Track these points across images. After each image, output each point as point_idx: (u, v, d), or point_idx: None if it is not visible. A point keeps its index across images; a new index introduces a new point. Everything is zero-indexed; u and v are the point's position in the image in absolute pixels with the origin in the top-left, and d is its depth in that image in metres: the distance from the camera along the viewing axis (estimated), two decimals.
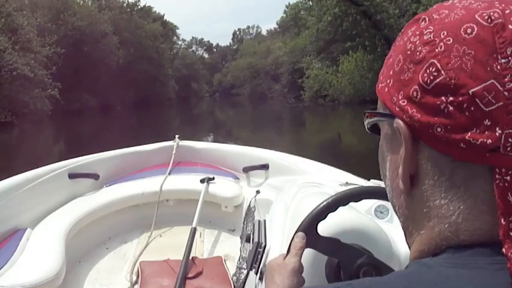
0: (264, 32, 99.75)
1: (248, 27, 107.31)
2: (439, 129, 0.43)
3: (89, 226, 2.67)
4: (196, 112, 41.08)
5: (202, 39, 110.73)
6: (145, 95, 48.18)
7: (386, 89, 0.50)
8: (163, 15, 67.92)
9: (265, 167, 3.14)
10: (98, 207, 2.75)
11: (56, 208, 2.69)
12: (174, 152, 3.32)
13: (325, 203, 1.06)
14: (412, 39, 0.48)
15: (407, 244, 0.53)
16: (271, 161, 3.13)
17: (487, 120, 0.41)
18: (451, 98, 0.42)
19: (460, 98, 0.42)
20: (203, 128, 22.06)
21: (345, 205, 1.06)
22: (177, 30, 77.22)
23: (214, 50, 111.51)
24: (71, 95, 33.20)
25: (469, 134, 0.42)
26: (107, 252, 2.71)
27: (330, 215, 1.06)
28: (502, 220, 0.41)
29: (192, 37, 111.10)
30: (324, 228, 1.06)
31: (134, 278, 2.35)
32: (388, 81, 0.50)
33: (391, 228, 1.50)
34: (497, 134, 0.41)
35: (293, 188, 2.40)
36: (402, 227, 0.54)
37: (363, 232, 1.35)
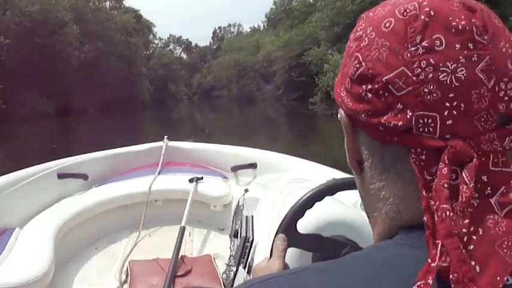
0: (247, 30, 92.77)
1: (229, 25, 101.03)
2: (363, 115, 0.47)
3: (78, 226, 2.67)
4: (174, 117, 37.80)
5: (181, 37, 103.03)
6: (115, 96, 41.43)
7: (337, 84, 0.54)
8: (138, 10, 63.18)
9: (253, 166, 3.17)
10: (87, 207, 2.75)
11: (45, 208, 2.68)
12: (163, 153, 3.34)
13: (300, 201, 1.07)
14: (351, 37, 0.52)
15: (371, 227, 0.55)
16: (259, 160, 3.17)
17: (399, 104, 0.44)
18: (369, 86, 0.46)
19: (376, 86, 0.46)
20: (182, 135, 17.68)
21: (321, 200, 1.07)
22: (153, 28, 72.78)
23: (193, 50, 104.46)
24: (16, 97, 27.62)
25: (385, 117, 0.45)
26: (96, 252, 2.70)
27: (309, 210, 1.07)
28: (422, 197, 0.43)
29: (170, 35, 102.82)
30: (305, 225, 1.07)
31: (123, 277, 2.36)
32: (339, 76, 0.54)
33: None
34: (408, 116, 0.44)
35: (280, 184, 2.45)
36: (365, 211, 0.57)
37: (345, 223, 1.37)
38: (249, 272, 1.47)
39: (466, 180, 0.42)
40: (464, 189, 0.41)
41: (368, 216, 0.55)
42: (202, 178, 3.03)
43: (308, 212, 1.06)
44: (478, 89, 0.43)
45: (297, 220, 1.04)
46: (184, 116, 40.34)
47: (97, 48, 40.73)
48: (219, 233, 2.91)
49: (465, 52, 0.43)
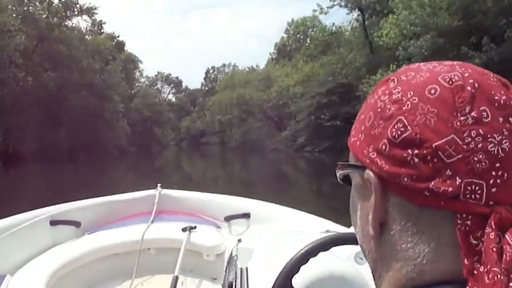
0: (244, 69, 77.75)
1: (223, 65, 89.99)
2: (405, 179, 0.47)
3: (69, 274, 2.64)
4: (158, 164, 33.11)
5: (170, 74, 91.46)
6: (82, 140, 33.19)
7: (358, 143, 0.54)
8: (118, 36, 56.05)
9: (246, 215, 3.17)
10: (79, 255, 2.73)
11: (36, 255, 2.66)
12: (156, 201, 3.33)
13: (294, 258, 1.08)
14: (382, 98, 0.53)
15: (376, 286, 0.56)
16: (252, 210, 3.18)
17: (448, 171, 0.46)
18: (416, 151, 0.47)
19: (425, 151, 0.46)
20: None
21: (315, 256, 1.08)
22: (140, 65, 67.27)
23: (183, 92, 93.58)
24: None
25: (433, 183, 0.46)
26: None
27: (304, 265, 1.08)
28: (466, 260, 0.45)
29: (158, 72, 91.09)
30: (300, 280, 1.08)
31: None
32: (360, 135, 0.54)
33: (371, 274, 1.55)
34: (457, 182, 0.45)
35: (274, 235, 2.46)
36: (372, 271, 0.57)
37: (341, 278, 1.40)
38: None
39: (510, 241, 0.43)
40: (508, 250, 0.43)
41: (377, 277, 0.56)
42: (195, 227, 3.02)
43: (303, 267, 1.07)
44: None
45: (292, 276, 1.06)
46: (170, 165, 33.85)
47: (61, 77, 32.71)
48: (212, 283, 2.89)
49: (507, 125, 0.47)
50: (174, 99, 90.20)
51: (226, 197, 3.52)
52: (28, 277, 2.36)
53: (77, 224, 3.05)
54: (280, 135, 44.49)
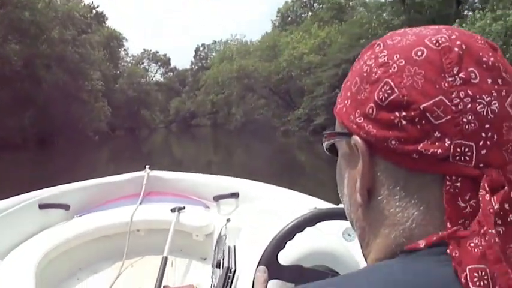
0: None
1: (214, 42, 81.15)
2: (393, 142, 0.47)
3: (59, 257, 2.65)
4: (146, 149, 30.42)
5: (157, 52, 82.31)
6: (53, 124, 28.17)
7: (344, 109, 0.54)
8: (98, 7, 49.78)
9: (235, 195, 3.19)
10: (69, 238, 2.73)
11: (26, 239, 2.66)
12: (144, 182, 3.34)
13: (280, 233, 1.09)
14: (368, 63, 0.52)
15: (364, 256, 0.56)
16: (241, 189, 3.19)
17: (437, 132, 0.45)
18: (403, 113, 0.47)
19: (412, 113, 0.46)
20: None
21: (301, 231, 1.09)
22: (125, 42, 60.31)
23: (172, 72, 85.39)
24: None
25: (421, 145, 0.46)
26: (78, 283, 2.68)
27: (290, 241, 1.09)
28: (448, 223, 0.45)
29: (144, 49, 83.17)
30: (286, 256, 1.09)
31: None
32: (346, 101, 0.54)
33: (359, 250, 1.57)
34: (446, 144, 0.45)
35: (261, 214, 2.48)
36: (359, 240, 0.57)
37: (327, 253, 1.43)
38: None
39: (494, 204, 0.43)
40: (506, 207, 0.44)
41: (365, 246, 0.55)
42: (184, 208, 3.03)
43: (289, 243, 1.08)
44: (508, 122, 0.46)
45: (278, 252, 1.07)
46: (158, 150, 29.66)
47: (24, 48, 27.10)
48: (201, 263, 2.91)
49: (496, 87, 0.46)
50: (162, 79, 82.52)
51: (215, 177, 3.53)
52: (18, 261, 2.36)
53: (66, 207, 3.05)
54: (293, 115, 36.19)
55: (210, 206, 3.28)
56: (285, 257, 1.10)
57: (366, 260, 0.56)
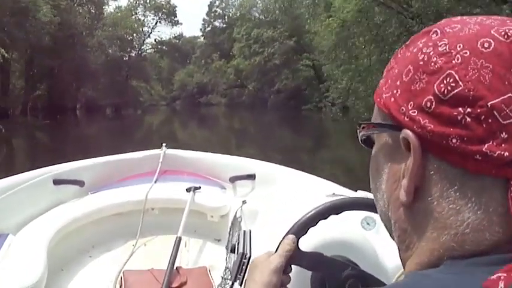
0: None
1: None
2: (454, 140, 0.44)
3: (72, 233, 2.63)
4: (137, 136, 20.62)
5: None
6: None
7: (392, 99, 0.50)
8: None
9: (251, 177, 3.14)
10: (82, 214, 2.71)
11: (39, 214, 2.64)
12: (160, 160, 3.31)
13: (304, 218, 1.05)
14: (424, 50, 0.48)
15: (401, 259, 0.53)
16: (258, 171, 3.14)
17: (504, 133, 0.42)
18: (468, 110, 0.43)
19: (478, 110, 0.43)
20: None
21: (326, 219, 1.05)
22: None
23: (176, 26, 63.71)
24: None
25: (486, 146, 0.42)
26: (90, 260, 2.67)
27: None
28: None
29: None
30: (307, 242, 1.05)
31: (117, 287, 2.32)
32: (395, 91, 0.49)
33: (378, 240, 1.53)
34: None
35: (280, 198, 2.44)
36: (397, 242, 0.53)
37: (348, 244, 1.38)
38: None
39: None
40: None
41: (405, 248, 0.52)
42: (199, 188, 3.00)
43: (311, 229, 1.04)
44: None
45: (300, 237, 1.03)
46: (153, 139, 18.33)
47: None
48: (215, 244, 2.88)
49: None
50: (164, 38, 57.69)
51: (232, 158, 3.48)
52: (30, 236, 2.35)
53: (80, 183, 3.04)
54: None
55: (226, 186, 3.24)
56: (305, 244, 1.05)
57: (402, 262, 0.53)
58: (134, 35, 47.58)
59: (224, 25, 61.49)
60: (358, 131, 0.56)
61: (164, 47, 56.57)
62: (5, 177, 2.72)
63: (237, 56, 49.88)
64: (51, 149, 14.65)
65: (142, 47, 50.27)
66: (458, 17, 0.50)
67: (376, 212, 0.58)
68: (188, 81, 63.91)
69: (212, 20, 63.54)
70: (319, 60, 34.49)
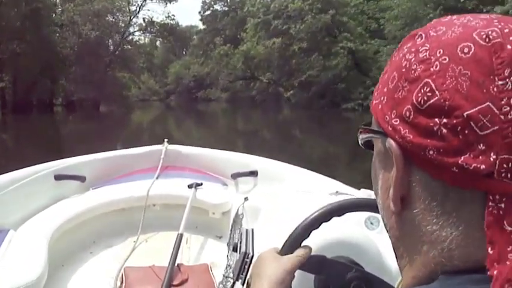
0: None
1: None
2: (431, 152, 0.42)
3: (73, 229, 2.63)
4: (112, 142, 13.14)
5: None
6: None
7: (379, 106, 0.48)
8: None
9: (254, 173, 3.14)
10: (84, 210, 2.71)
11: (40, 210, 2.63)
12: (162, 156, 3.30)
13: (306, 222, 1.03)
14: (407, 56, 0.46)
15: (399, 266, 0.52)
16: (260, 168, 3.14)
17: (481, 145, 0.40)
18: (444, 120, 0.41)
19: (454, 121, 0.41)
20: None
21: (328, 221, 1.03)
22: None
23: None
24: None
25: (462, 158, 0.41)
26: (91, 256, 2.66)
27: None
28: (490, 249, 0.40)
29: None
30: (309, 242, 1.03)
31: (118, 284, 2.31)
32: (382, 98, 0.48)
33: (381, 240, 1.51)
34: (491, 159, 0.40)
35: (282, 195, 2.43)
36: (393, 247, 0.52)
37: (352, 244, 1.36)
38: None
39: None
40: None
41: (399, 256, 0.51)
42: (201, 184, 2.99)
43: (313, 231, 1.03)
44: None
45: (302, 241, 1.01)
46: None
47: None
48: (217, 241, 2.87)
49: None
50: (155, 19, 43.45)
51: (234, 154, 3.48)
52: (31, 232, 2.34)
53: (81, 178, 3.03)
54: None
55: (228, 183, 3.23)
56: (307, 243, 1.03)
57: (400, 269, 0.52)
58: (117, 14, 36.89)
59: (226, 8, 54.89)
60: (358, 134, 0.55)
61: (155, 30, 43.17)
62: (4, 172, 2.70)
63: (249, 38, 40.56)
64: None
65: (129, 30, 39.04)
66: (449, 17, 0.48)
67: (379, 212, 0.57)
68: (184, 74, 57.04)
69: (212, 3, 56.23)
70: (363, 43, 30.36)
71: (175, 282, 2.21)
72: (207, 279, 2.30)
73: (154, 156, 3.32)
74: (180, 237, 2.50)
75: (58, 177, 2.90)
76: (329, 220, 1.03)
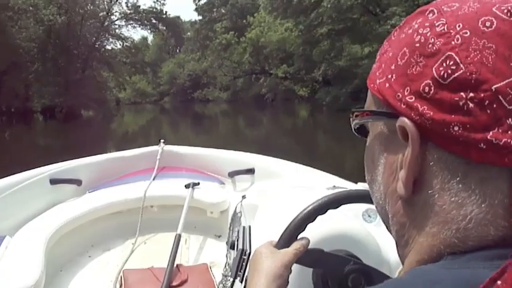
0: None
1: None
2: (456, 128, 0.41)
3: (70, 233, 2.60)
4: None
5: None
6: None
7: (387, 85, 0.46)
8: None
9: (251, 171, 3.13)
10: (81, 213, 2.68)
11: (36, 215, 2.61)
12: (158, 157, 3.28)
13: (301, 214, 1.02)
14: (421, 31, 0.44)
15: (399, 255, 0.51)
16: (256, 166, 3.13)
17: (510, 119, 0.39)
18: (471, 94, 0.40)
19: (482, 95, 0.39)
20: None
21: (324, 213, 1.03)
22: None
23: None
24: None
25: (491, 133, 0.39)
26: (90, 260, 2.64)
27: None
28: None
29: None
30: (307, 235, 1.02)
31: (117, 287, 2.29)
32: (390, 76, 0.46)
33: (379, 232, 1.50)
34: None
35: (279, 192, 2.43)
36: (395, 236, 0.50)
37: (348, 237, 1.35)
38: (245, 287, 1.45)
39: None
40: None
41: (404, 244, 0.49)
42: (198, 183, 2.97)
43: (310, 224, 1.02)
44: None
45: (298, 234, 1.00)
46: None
47: None
48: (216, 240, 2.86)
49: None
50: (143, 6, 39.02)
51: (230, 152, 3.46)
52: (28, 237, 2.32)
53: (77, 182, 3.02)
54: None
55: (225, 182, 3.22)
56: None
57: (401, 259, 0.50)
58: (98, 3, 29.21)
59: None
60: (351, 119, 0.53)
61: (142, 17, 35.35)
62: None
63: (257, 23, 32.04)
64: None
65: (111, 18, 31.46)
66: None
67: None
68: (178, 73, 52.88)
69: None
70: None
71: (174, 283, 2.19)
72: (206, 279, 2.29)
73: (151, 158, 3.30)
74: (178, 238, 2.49)
75: (54, 182, 2.89)
76: (325, 213, 1.02)
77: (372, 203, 0.55)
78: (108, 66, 31.47)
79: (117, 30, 33.81)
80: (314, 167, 2.85)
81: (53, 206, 2.75)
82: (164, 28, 38.82)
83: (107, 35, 31.83)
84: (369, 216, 1.72)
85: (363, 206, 1.72)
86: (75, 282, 2.41)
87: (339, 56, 26.68)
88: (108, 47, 32.93)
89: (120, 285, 2.26)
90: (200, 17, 48.81)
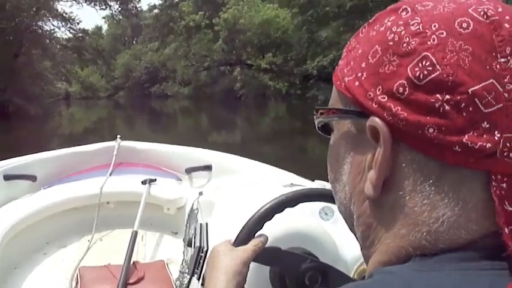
0: None
1: None
2: (431, 130, 0.40)
3: (25, 230, 2.56)
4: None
5: None
6: None
7: (356, 83, 0.45)
8: None
9: (208, 168, 3.14)
10: (35, 210, 2.64)
11: None
12: (115, 153, 3.26)
13: (259, 213, 1.04)
14: (394, 29, 0.44)
15: (364, 255, 0.50)
16: (214, 162, 3.15)
17: (485, 123, 0.39)
18: (447, 96, 0.39)
19: (458, 97, 0.39)
20: None
21: (281, 212, 1.05)
22: None
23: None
24: None
25: (467, 136, 0.39)
26: (45, 257, 2.61)
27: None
28: (506, 229, 0.39)
29: None
30: (264, 233, 1.04)
31: (73, 284, 2.28)
32: (360, 74, 0.45)
33: (336, 230, 1.55)
34: (496, 137, 0.39)
35: (236, 188, 2.47)
36: (360, 237, 0.50)
37: (306, 235, 1.38)
38: (203, 284, 1.49)
39: None
40: None
41: (369, 244, 0.48)
42: (155, 180, 2.97)
43: (267, 223, 1.04)
44: None
45: (256, 232, 1.02)
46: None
47: None
48: (173, 237, 2.88)
49: None
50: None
51: (188, 149, 3.46)
52: None
53: (32, 178, 2.97)
54: None
55: (182, 178, 3.23)
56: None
57: (365, 259, 0.50)
58: None
59: None
60: (315, 116, 0.52)
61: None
62: None
63: (235, 0, 26.33)
64: None
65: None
66: None
67: (333, 202, 0.55)
68: (135, 65, 48.27)
69: None
70: None
71: (131, 281, 2.20)
72: (163, 275, 2.31)
73: (107, 153, 3.28)
74: (135, 235, 2.49)
75: (7, 177, 2.84)
76: (282, 211, 1.04)
77: (330, 201, 0.56)
78: (45, 51, 25.00)
79: (59, 8, 27.26)
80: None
81: (7, 203, 2.71)
82: (117, 7, 30.92)
83: (45, 12, 25.19)
84: (326, 214, 1.75)
85: (319, 204, 1.75)
86: (30, 280, 2.38)
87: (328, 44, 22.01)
88: (47, 28, 25.91)
89: (76, 283, 2.25)
90: (161, 1, 41.62)
